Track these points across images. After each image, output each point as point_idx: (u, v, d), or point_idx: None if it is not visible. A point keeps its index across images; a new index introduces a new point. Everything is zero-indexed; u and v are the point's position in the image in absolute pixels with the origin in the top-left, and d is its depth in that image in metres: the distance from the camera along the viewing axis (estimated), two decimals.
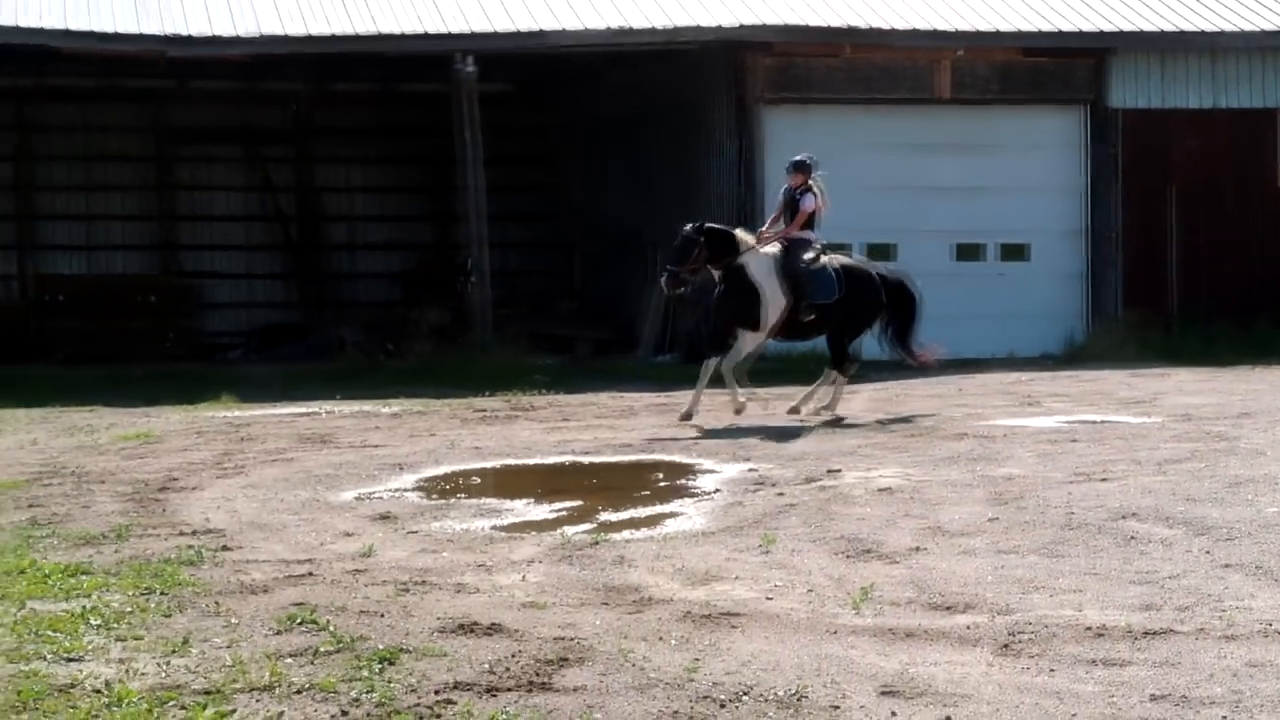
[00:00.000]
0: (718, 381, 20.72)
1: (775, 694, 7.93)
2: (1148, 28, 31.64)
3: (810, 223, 21.54)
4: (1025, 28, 30.93)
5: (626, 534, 12.61)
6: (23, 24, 28.26)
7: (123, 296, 33.42)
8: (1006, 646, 8.86)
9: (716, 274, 21.02)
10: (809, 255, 21.24)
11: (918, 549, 11.76)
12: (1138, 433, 18.58)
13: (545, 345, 30.08)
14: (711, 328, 22.02)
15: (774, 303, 20.93)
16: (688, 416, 20.33)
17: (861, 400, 22.58)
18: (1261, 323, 31.00)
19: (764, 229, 22.15)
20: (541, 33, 29.64)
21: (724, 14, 29.96)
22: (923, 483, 14.90)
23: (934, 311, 29.75)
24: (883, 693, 7.95)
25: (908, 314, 22.86)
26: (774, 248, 21.36)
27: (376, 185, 36.40)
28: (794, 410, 21.31)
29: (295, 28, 29.42)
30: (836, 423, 20.46)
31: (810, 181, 21.66)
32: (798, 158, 22.00)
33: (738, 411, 20.74)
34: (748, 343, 21.06)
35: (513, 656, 8.70)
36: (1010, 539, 12.11)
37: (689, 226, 21.24)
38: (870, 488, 14.64)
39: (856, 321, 22.27)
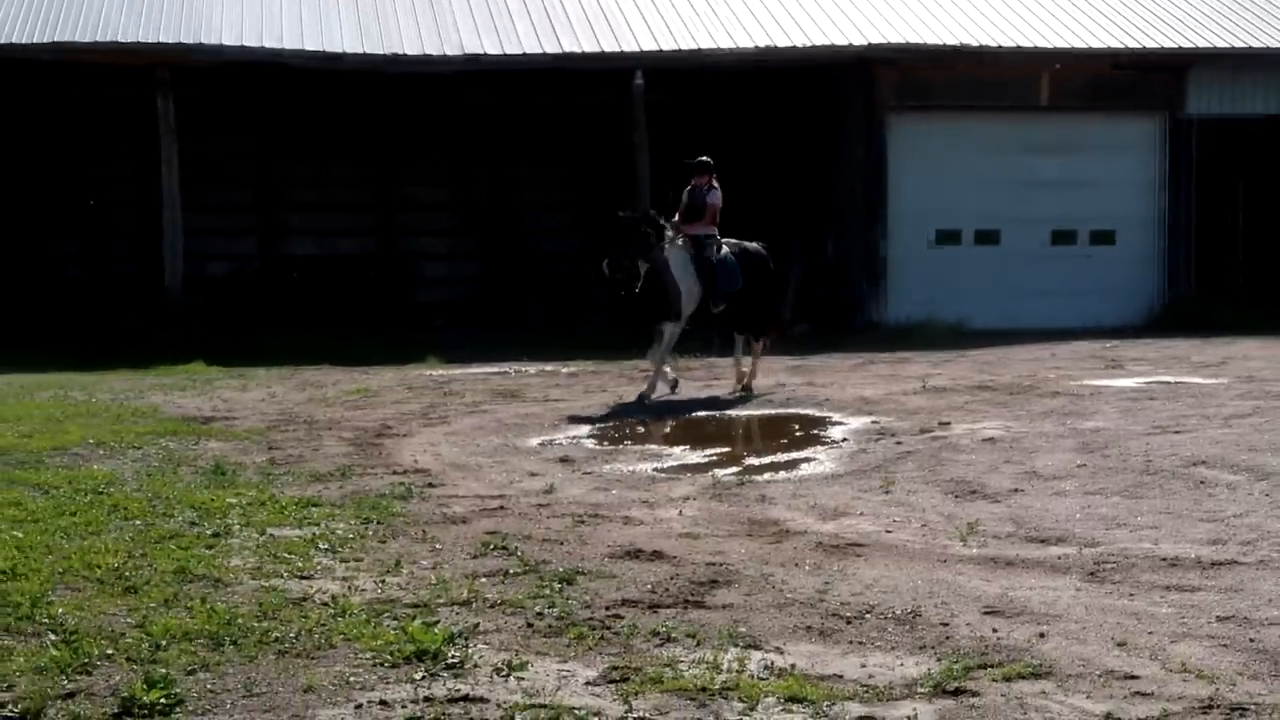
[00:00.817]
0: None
1: (894, 612, 7.91)
2: (1220, 45, 31.25)
3: (715, 218, 19.89)
4: (1114, 45, 30.65)
5: (767, 476, 12.62)
6: (267, 45, 28.61)
7: (348, 273, 33.74)
8: (1092, 574, 8.80)
9: (643, 266, 18.88)
10: (717, 249, 19.72)
11: (1016, 490, 11.69)
12: (1207, 392, 18.31)
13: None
14: (638, 317, 20.02)
15: (690, 295, 19.23)
16: (645, 398, 18.55)
17: (967, 364, 22.32)
18: None
19: (675, 221, 19.79)
20: (700, 51, 29.71)
21: (855, 34, 29.87)
22: (1021, 434, 14.77)
23: (1033, 287, 29.85)
24: (986, 612, 7.92)
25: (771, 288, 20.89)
26: (683, 242, 19.55)
27: (561, 182, 36.45)
28: (746, 388, 19.61)
29: (489, 46, 29.64)
30: (749, 393, 19.50)
31: (713, 180, 19.85)
32: (702, 158, 20.03)
33: (673, 389, 19.40)
34: (668, 332, 19.17)
35: (671, 578, 8.74)
36: (1096, 482, 12.00)
37: (626, 213, 20.15)
38: (976, 438, 14.55)
39: (762, 296, 20.33)
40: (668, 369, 19.60)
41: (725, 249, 19.95)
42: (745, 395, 19.33)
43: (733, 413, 17.24)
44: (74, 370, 22.16)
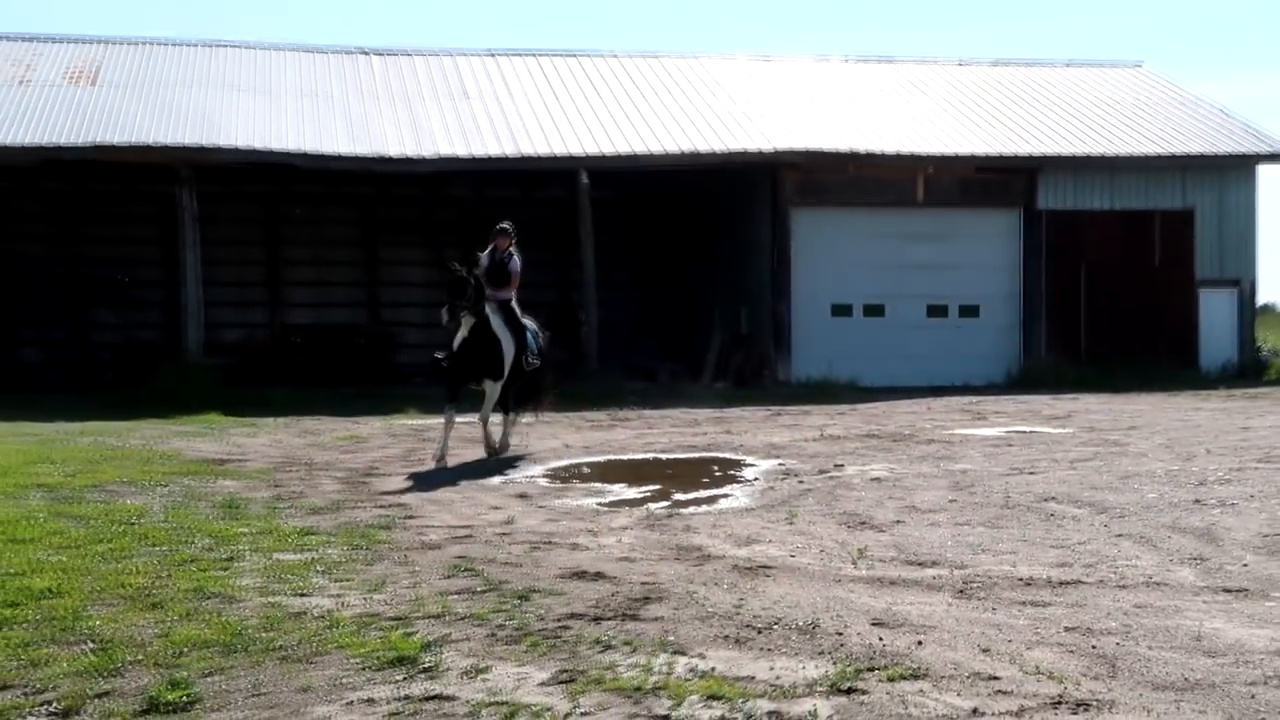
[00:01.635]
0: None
1: (797, 624, 7.94)
2: (1064, 151, 31.72)
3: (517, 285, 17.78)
4: (977, 151, 31.06)
5: (692, 509, 12.61)
6: (274, 148, 28.63)
7: (341, 339, 33.66)
8: (961, 591, 8.86)
9: (466, 322, 16.75)
10: (519, 315, 17.78)
11: (898, 521, 11.74)
12: (1056, 440, 18.46)
13: (635, 374, 30.07)
14: (454, 376, 17.37)
15: (509, 354, 17.26)
16: (440, 460, 16.18)
17: (858, 416, 22.44)
18: (1145, 361, 30.99)
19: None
20: (635, 155, 29.87)
21: (764, 141, 30.15)
22: (902, 474, 14.85)
23: (913, 352, 30.12)
24: (873, 623, 7.96)
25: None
26: (492, 305, 17.19)
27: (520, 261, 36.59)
28: (496, 451, 17.32)
29: (460, 149, 29.75)
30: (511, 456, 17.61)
31: (512, 246, 17.76)
32: (504, 225, 18.00)
33: (491, 453, 17.20)
34: (490, 390, 17.23)
35: (612, 595, 8.74)
36: (964, 515, 12.08)
37: (457, 267, 16.97)
38: (865, 478, 14.61)
39: (538, 369, 18.08)
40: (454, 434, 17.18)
41: (524, 317, 18.06)
42: (497, 455, 17.29)
43: (665, 456, 17.22)
44: (109, 419, 22.02)
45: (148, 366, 29.50)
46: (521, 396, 18.55)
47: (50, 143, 27.85)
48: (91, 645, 7.32)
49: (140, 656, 7.14)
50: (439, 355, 17.85)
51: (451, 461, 16.39)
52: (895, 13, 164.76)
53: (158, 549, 10.29)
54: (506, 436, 17.99)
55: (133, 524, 11.42)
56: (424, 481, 14.68)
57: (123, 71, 32.68)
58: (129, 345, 33.37)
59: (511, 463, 16.57)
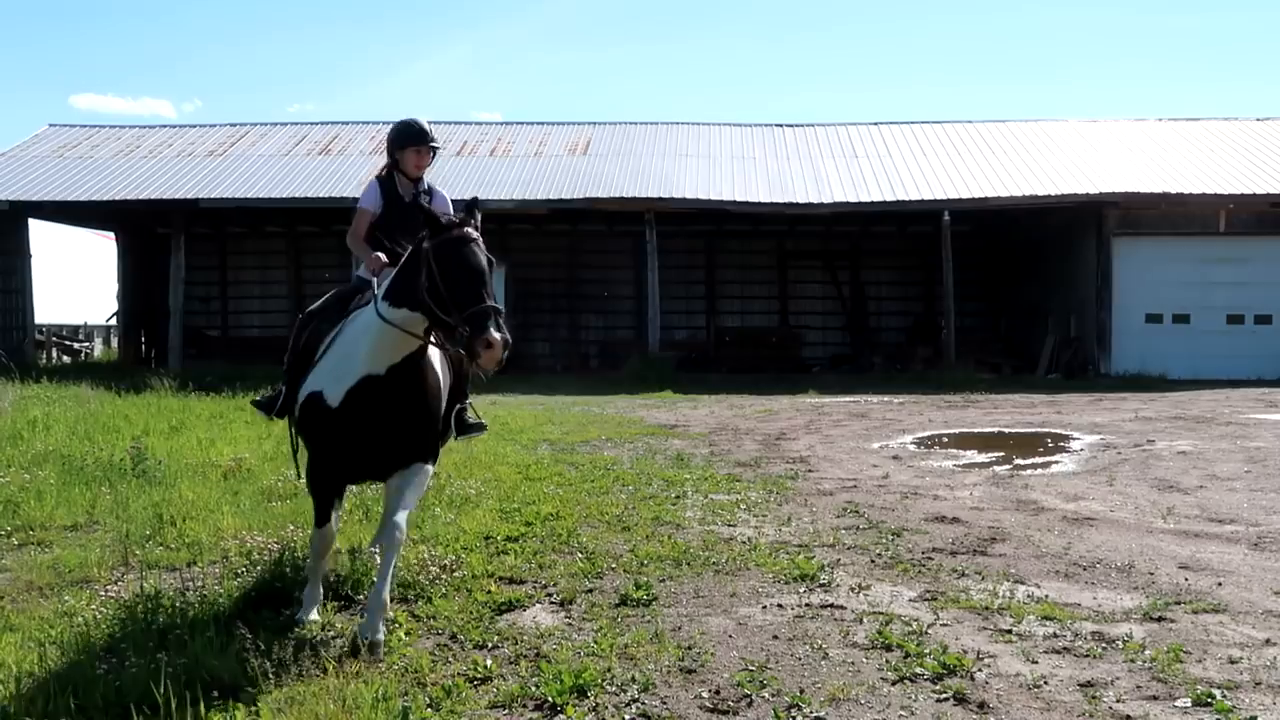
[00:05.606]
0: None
1: (1115, 564, 7.52)
2: None
3: None
4: (1272, 190, 28.59)
5: (1028, 471, 12.11)
6: (713, 197, 29.08)
7: (759, 338, 33.89)
8: (1256, 545, 8.17)
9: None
10: None
11: (1201, 486, 10.93)
12: None
13: (984, 368, 29.07)
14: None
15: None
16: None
17: (1167, 403, 20.97)
18: None
19: None
20: (987, 198, 28.91)
21: (1090, 185, 28.63)
22: (1204, 449, 13.81)
23: (1214, 352, 27.95)
24: (1180, 566, 7.45)
25: None
26: None
27: (895, 280, 36.00)
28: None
29: (850, 196, 29.51)
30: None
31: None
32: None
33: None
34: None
35: (965, 535, 8.50)
36: (1258, 483, 11.12)
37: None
38: (1172, 451, 13.66)
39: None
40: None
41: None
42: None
43: (1008, 430, 16.58)
44: (593, 395, 22.89)
45: (621, 357, 30.57)
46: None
47: (556, 197, 29.16)
48: (581, 555, 7.62)
49: (615, 565, 7.39)
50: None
51: (829, 444, 16.16)
52: (1201, 74, 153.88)
53: (627, 488, 10.64)
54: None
55: (610, 469, 11.84)
56: (821, 445, 14.63)
57: (606, 144, 33.87)
58: (608, 341, 34.60)
59: (889, 433, 16.27)
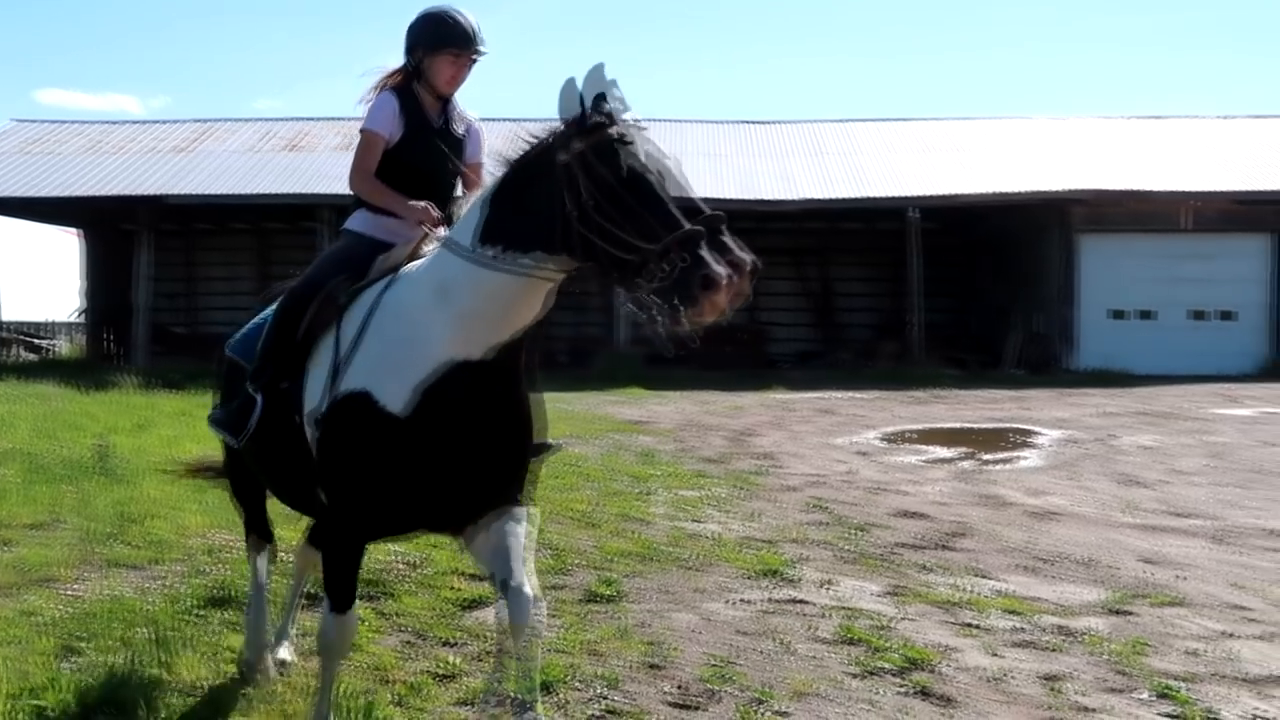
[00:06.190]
0: None
1: (1078, 558, 7.60)
2: None
3: None
4: (1234, 188, 28.92)
5: (993, 466, 12.19)
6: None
7: (728, 335, 33.88)
8: (1216, 538, 8.28)
9: None
10: None
11: (1163, 481, 11.03)
12: None
13: (951, 364, 29.20)
14: None
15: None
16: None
17: (1130, 398, 21.12)
18: None
19: None
20: (954, 195, 29.09)
21: (1057, 183, 28.84)
22: (1167, 444, 13.93)
23: (1178, 348, 28.21)
24: (1141, 560, 7.54)
25: None
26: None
27: (863, 277, 36.17)
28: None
29: (818, 193, 29.63)
30: None
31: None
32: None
33: None
34: None
35: (929, 530, 8.55)
36: (1219, 477, 11.25)
37: None
38: (1135, 446, 13.78)
39: None
40: None
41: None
42: None
43: (973, 425, 16.65)
44: (562, 391, 22.84)
45: (590, 354, 30.53)
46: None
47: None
48: (548, 552, 7.61)
49: (582, 561, 7.38)
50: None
51: (796, 439, 16.18)
52: (1166, 75, 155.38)
53: (594, 484, 10.62)
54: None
55: (577, 466, 11.82)
56: (788, 440, 14.67)
57: None
58: (578, 339, 34.54)
59: (855, 429, 16.33)
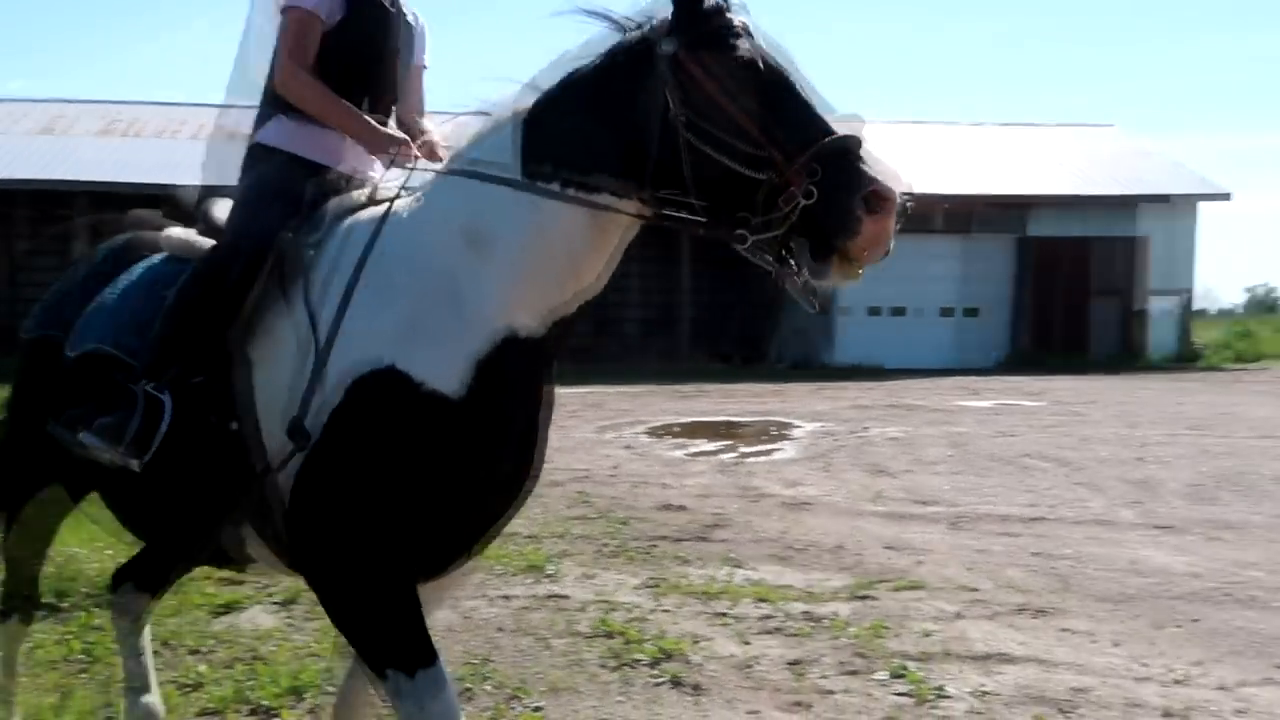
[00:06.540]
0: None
1: (827, 546, 7.91)
2: (1050, 192, 31.20)
3: None
4: (984, 191, 30.57)
5: (752, 459, 12.56)
6: None
7: None
8: (954, 524, 8.77)
9: None
10: None
11: (908, 470, 11.60)
12: (1031, 411, 18.04)
13: (718, 359, 29.92)
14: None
15: None
16: None
17: (883, 391, 22.12)
18: (1107, 351, 30.56)
19: None
20: None
21: None
22: (914, 435, 14.65)
23: (928, 342, 29.74)
24: (885, 547, 7.91)
25: None
26: None
27: (634, 273, 36.56)
28: None
29: None
30: None
31: None
32: None
33: None
34: None
35: (689, 522, 8.75)
36: (959, 466, 11.91)
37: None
38: (884, 437, 14.43)
39: None
40: None
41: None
42: None
43: (737, 419, 17.10)
44: None
45: None
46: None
47: None
48: None
49: None
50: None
51: (564, 434, 16.32)
52: (926, 81, 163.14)
53: None
54: None
55: None
56: (555, 435, 14.68)
57: None
58: None
59: (622, 424, 16.54)
